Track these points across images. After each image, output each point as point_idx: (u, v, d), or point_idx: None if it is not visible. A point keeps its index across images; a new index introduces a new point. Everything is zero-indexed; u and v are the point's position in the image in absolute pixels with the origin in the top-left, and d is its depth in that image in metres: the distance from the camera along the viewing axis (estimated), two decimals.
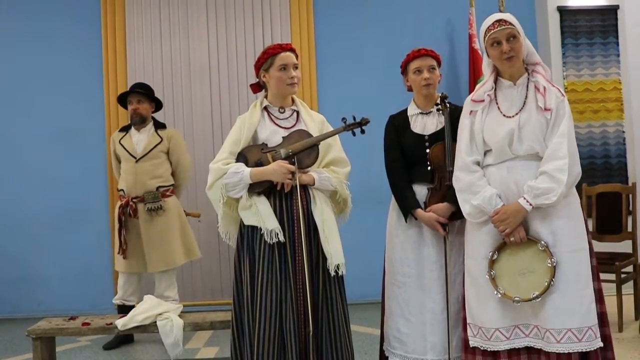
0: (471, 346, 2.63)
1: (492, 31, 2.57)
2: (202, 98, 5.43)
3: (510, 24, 2.56)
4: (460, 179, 2.66)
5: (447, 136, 2.90)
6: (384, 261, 3.14)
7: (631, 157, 5.42)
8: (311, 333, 2.68)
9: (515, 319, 2.55)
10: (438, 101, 2.98)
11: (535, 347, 2.53)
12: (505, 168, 2.58)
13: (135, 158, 4.41)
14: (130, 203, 4.35)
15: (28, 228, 5.34)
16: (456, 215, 2.87)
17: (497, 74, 2.68)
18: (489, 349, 2.56)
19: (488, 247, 2.60)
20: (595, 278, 2.58)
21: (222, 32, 5.45)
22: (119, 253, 4.38)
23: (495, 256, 2.57)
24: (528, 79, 2.62)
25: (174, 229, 4.45)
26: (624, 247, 4.47)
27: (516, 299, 2.50)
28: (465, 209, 2.64)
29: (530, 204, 2.48)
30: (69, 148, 5.36)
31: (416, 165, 2.99)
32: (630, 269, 4.40)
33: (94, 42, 5.40)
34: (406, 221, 2.97)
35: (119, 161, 4.56)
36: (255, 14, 5.45)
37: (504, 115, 2.60)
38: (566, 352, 2.42)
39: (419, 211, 2.91)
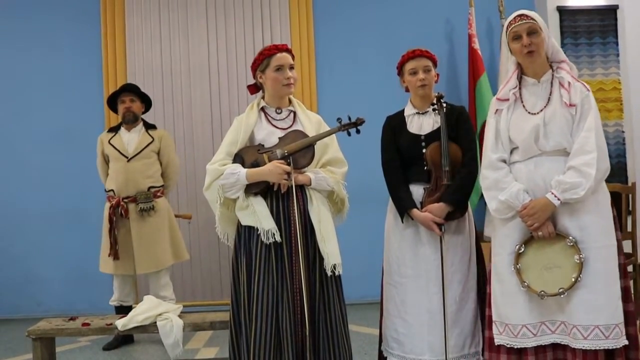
0: (496, 344, 2.61)
1: (513, 25, 2.59)
2: (202, 99, 5.44)
3: (532, 19, 2.57)
4: (487, 177, 2.66)
5: (443, 136, 2.90)
6: (383, 261, 3.15)
7: (631, 157, 5.42)
8: (307, 333, 2.68)
9: (541, 315, 2.54)
10: (434, 101, 2.98)
11: (561, 343, 2.51)
12: (533, 163, 2.58)
13: (126, 157, 4.40)
14: (122, 203, 4.33)
15: (27, 228, 5.35)
16: (452, 215, 2.88)
17: (522, 72, 2.67)
18: (515, 346, 2.55)
19: (514, 241, 2.59)
20: (623, 275, 2.55)
21: (222, 33, 5.46)
22: (109, 255, 4.34)
23: (522, 249, 2.56)
24: (552, 75, 2.61)
25: (163, 229, 4.45)
26: (624, 247, 4.44)
27: (542, 293, 2.49)
28: (492, 205, 2.63)
29: (558, 199, 2.47)
30: (69, 148, 5.37)
31: (413, 165, 3.00)
32: (630, 268, 4.39)
33: (93, 43, 5.41)
34: (402, 221, 2.98)
35: (107, 162, 4.51)
36: (255, 15, 5.46)
37: (529, 112, 2.60)
38: (593, 348, 2.41)
39: (415, 211, 2.91)
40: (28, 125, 5.40)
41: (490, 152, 2.67)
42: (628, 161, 5.40)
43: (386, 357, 3.07)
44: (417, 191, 2.98)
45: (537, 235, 2.52)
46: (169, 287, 4.51)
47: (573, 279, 2.44)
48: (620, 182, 5.00)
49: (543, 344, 2.54)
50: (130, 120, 4.48)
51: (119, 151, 4.42)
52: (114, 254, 4.33)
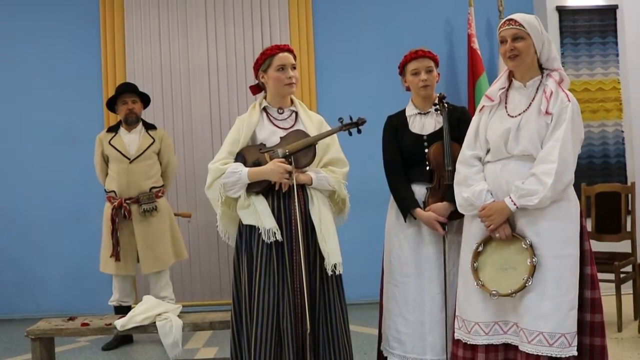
0: (455, 338, 2.68)
1: (501, 29, 2.62)
2: (201, 99, 5.43)
3: (520, 24, 2.57)
4: (459, 172, 2.72)
5: (445, 136, 2.91)
6: (383, 261, 3.14)
7: (630, 157, 5.41)
8: (308, 332, 2.68)
9: (496, 314, 2.57)
10: (436, 101, 2.98)
11: (512, 344, 2.54)
12: (500, 165, 2.61)
13: (129, 159, 4.38)
14: (124, 204, 4.33)
15: (27, 229, 5.33)
16: (455, 214, 2.88)
17: (512, 74, 2.69)
18: (468, 342, 2.60)
19: (476, 239, 2.64)
20: (589, 287, 2.55)
21: (221, 33, 5.45)
22: (111, 256, 4.33)
23: (480, 248, 2.61)
24: (540, 81, 2.61)
25: (165, 229, 4.45)
26: (623, 246, 4.48)
27: (494, 292, 2.52)
28: (457, 200, 2.70)
29: (515, 204, 2.50)
30: (68, 149, 5.35)
31: (415, 165, 3.00)
32: (629, 268, 4.40)
33: (93, 43, 5.39)
34: (405, 221, 2.98)
35: (106, 162, 4.49)
36: (254, 14, 5.45)
37: (509, 114, 2.61)
38: (535, 354, 2.43)
39: (419, 211, 2.92)
40: (27, 126, 5.38)
41: (466, 148, 2.72)
42: (627, 161, 5.40)
43: (386, 357, 3.07)
44: (419, 191, 2.98)
45: (495, 236, 2.56)
46: (168, 287, 4.51)
47: (523, 281, 2.46)
48: (619, 182, 5.00)
49: (495, 343, 2.57)
50: (133, 122, 4.47)
51: (120, 152, 4.40)
52: (116, 255, 4.32)
